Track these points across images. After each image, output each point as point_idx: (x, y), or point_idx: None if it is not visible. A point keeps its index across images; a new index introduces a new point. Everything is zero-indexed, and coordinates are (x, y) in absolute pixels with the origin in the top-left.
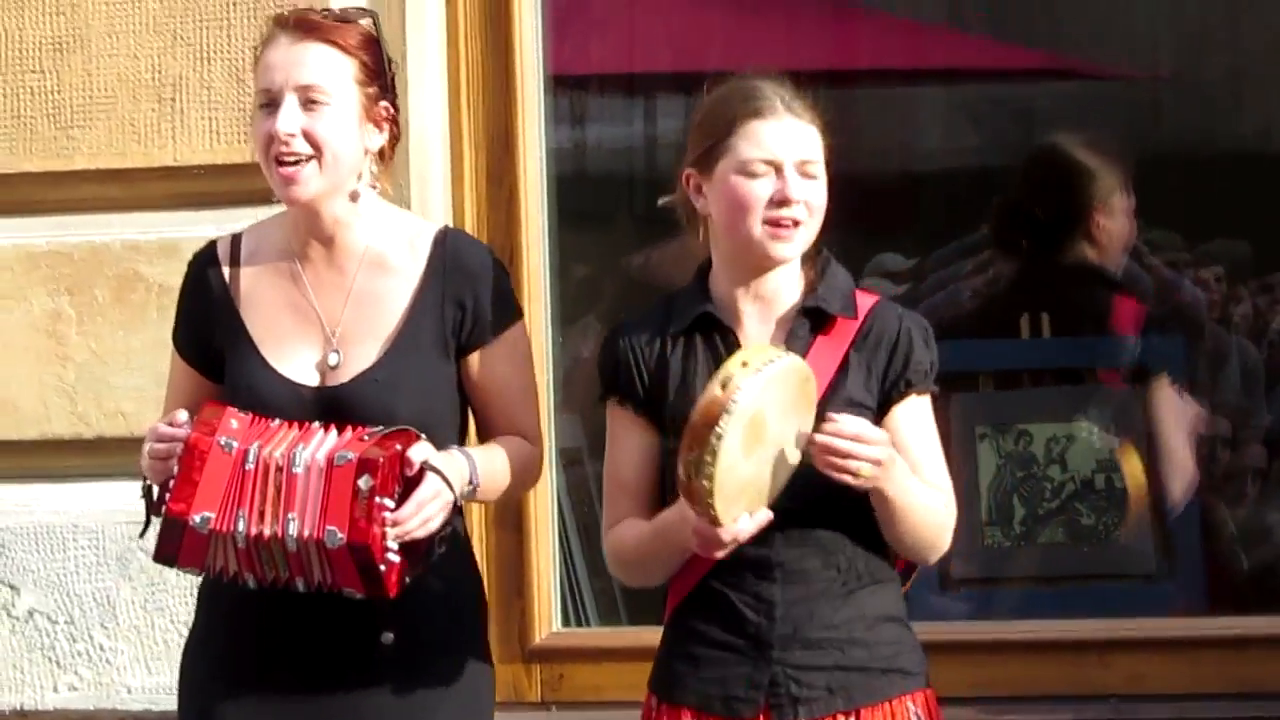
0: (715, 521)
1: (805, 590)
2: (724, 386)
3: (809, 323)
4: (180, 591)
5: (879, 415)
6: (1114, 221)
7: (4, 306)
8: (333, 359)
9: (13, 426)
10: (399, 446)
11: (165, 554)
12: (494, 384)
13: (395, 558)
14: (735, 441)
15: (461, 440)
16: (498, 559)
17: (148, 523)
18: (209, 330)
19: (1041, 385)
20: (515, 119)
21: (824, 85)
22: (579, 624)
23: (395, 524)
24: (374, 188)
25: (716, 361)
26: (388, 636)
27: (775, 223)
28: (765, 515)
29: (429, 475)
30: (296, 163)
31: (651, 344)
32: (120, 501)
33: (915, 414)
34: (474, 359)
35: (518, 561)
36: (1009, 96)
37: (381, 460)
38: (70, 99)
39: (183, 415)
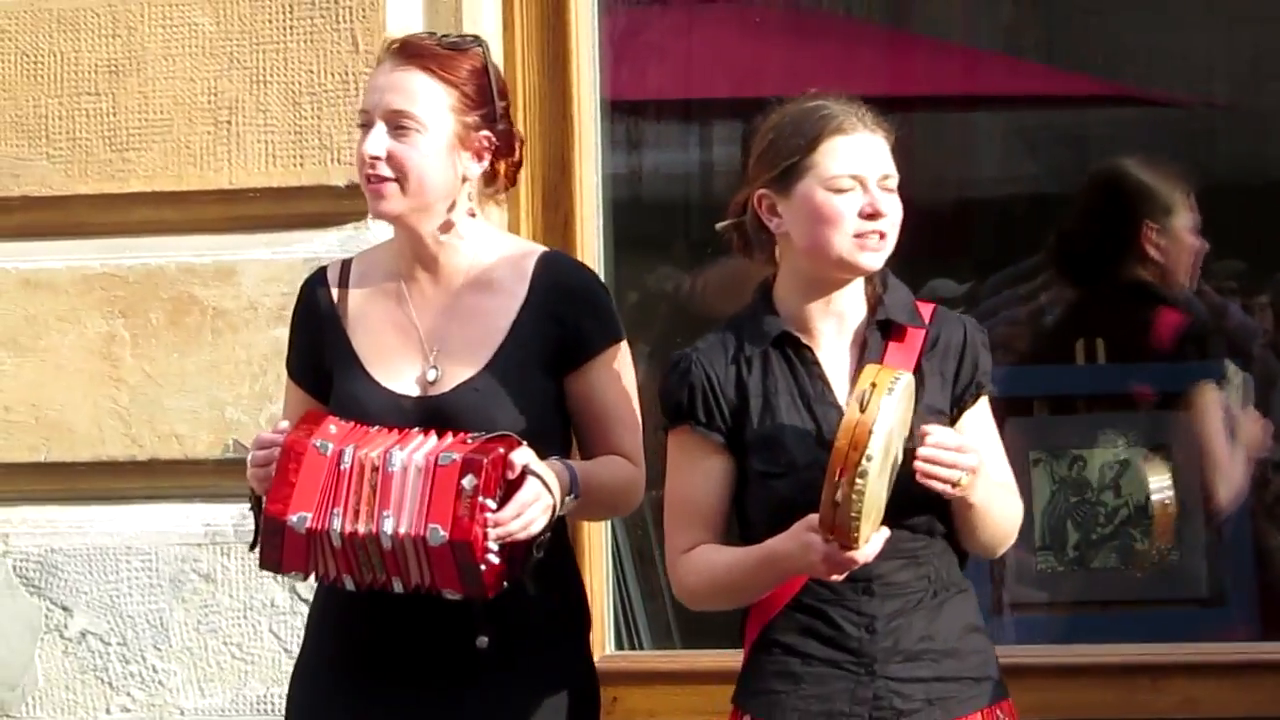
0: (853, 545)
1: (902, 602)
2: (864, 409)
3: (880, 335)
4: (233, 614)
5: (951, 420)
6: (1172, 242)
7: (58, 329)
8: (431, 374)
9: (67, 448)
10: (501, 450)
11: (269, 560)
12: (595, 404)
13: (495, 559)
14: (878, 464)
15: (557, 444)
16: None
17: (256, 533)
18: (319, 353)
19: (1096, 410)
20: (572, 144)
21: (880, 111)
22: (632, 647)
23: (497, 524)
24: (473, 215)
25: (796, 380)
26: (483, 640)
27: (863, 235)
28: (885, 533)
29: (530, 479)
30: (382, 181)
31: (727, 368)
32: (173, 523)
33: (982, 415)
34: (575, 378)
35: None
36: (1064, 123)
37: (485, 461)
38: (126, 121)
39: (284, 424)
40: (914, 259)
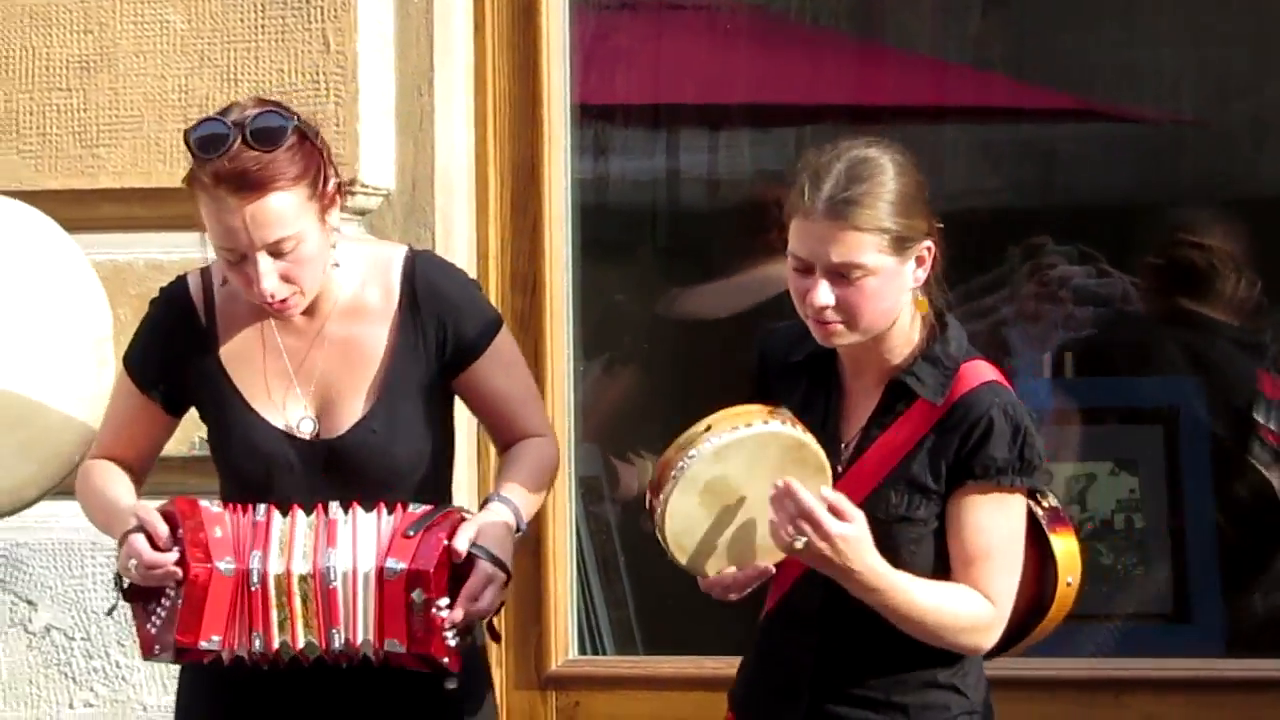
0: (682, 568)
1: (844, 643)
2: (679, 450)
3: (903, 393)
4: None
5: (943, 502)
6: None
7: None
8: (305, 423)
9: None
10: (445, 541)
11: (163, 661)
12: (493, 395)
13: (455, 641)
14: (687, 503)
15: (453, 463)
16: (516, 586)
17: (115, 606)
18: (180, 370)
19: (1063, 424)
20: (541, 149)
21: (846, 121)
22: (595, 652)
23: (452, 624)
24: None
25: (808, 407)
26: (451, 682)
27: (814, 319)
28: (758, 569)
29: (479, 564)
30: (286, 301)
31: (772, 363)
32: None
33: (977, 509)
34: (467, 377)
35: (535, 589)
36: (1031, 137)
37: (431, 570)
38: (96, 118)
39: (163, 529)
40: None
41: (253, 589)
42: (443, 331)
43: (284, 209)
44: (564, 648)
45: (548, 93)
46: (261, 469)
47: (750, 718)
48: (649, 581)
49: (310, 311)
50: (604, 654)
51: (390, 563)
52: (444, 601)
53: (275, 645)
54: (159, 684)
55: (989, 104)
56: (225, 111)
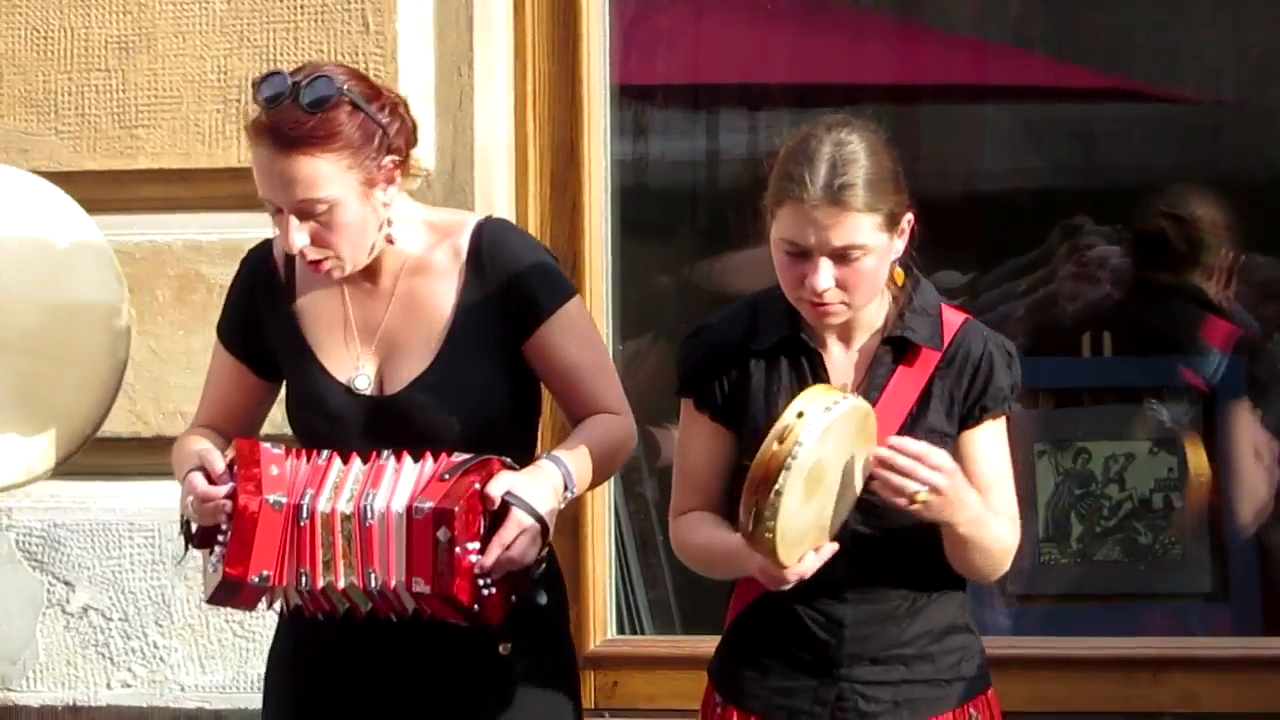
0: (779, 564)
1: (874, 610)
2: (781, 440)
3: (893, 350)
4: None
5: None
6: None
7: None
8: (367, 376)
9: None
10: (477, 485)
11: (221, 604)
12: (563, 363)
13: (490, 591)
14: (795, 496)
15: (534, 428)
16: None
17: (186, 551)
18: (259, 329)
19: (1101, 404)
20: (580, 129)
21: (887, 101)
22: (634, 632)
23: (482, 569)
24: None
25: (801, 383)
26: (505, 647)
27: (810, 302)
28: (829, 550)
29: (513, 510)
30: (318, 262)
31: (733, 355)
32: (177, 501)
33: (988, 438)
34: (536, 342)
35: (574, 568)
36: (1071, 117)
37: (457, 510)
38: (135, 98)
39: (219, 464)
40: (918, 249)
41: (301, 525)
42: (510, 291)
43: (314, 173)
44: (602, 628)
45: (587, 73)
46: (324, 423)
47: (761, 695)
48: None
49: (378, 272)
50: (642, 634)
51: (419, 502)
52: (474, 545)
53: (320, 584)
54: (197, 664)
55: (1029, 83)
56: (300, 69)
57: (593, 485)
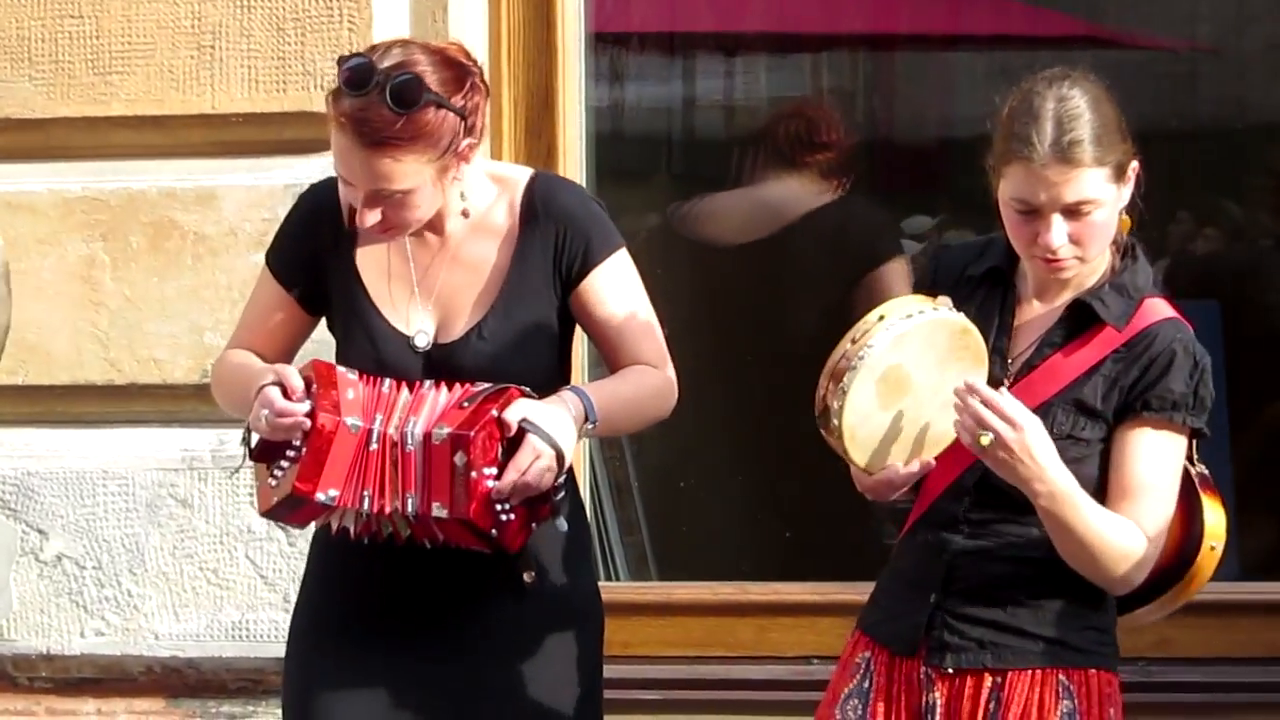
0: (854, 463)
1: (987, 546)
2: (855, 340)
3: (1081, 316)
4: (209, 540)
5: (1109, 432)
6: None
7: (39, 251)
8: (428, 327)
9: (45, 372)
10: (494, 412)
11: (278, 518)
12: (606, 313)
13: (509, 516)
14: (866, 396)
15: (568, 381)
16: None
17: (241, 466)
18: (321, 265)
19: None
20: (556, 75)
21: (862, 48)
22: (609, 579)
23: (499, 494)
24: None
25: (987, 316)
26: (529, 575)
27: (1043, 259)
28: (919, 464)
29: (528, 437)
30: (386, 229)
31: (952, 274)
32: (151, 448)
33: (1148, 442)
34: (582, 291)
35: None
36: (1047, 64)
37: (474, 434)
38: (109, 45)
39: (298, 383)
40: (893, 194)
41: (371, 450)
42: (561, 240)
43: (397, 171)
44: None
45: (562, 20)
46: (379, 371)
47: (877, 624)
48: (662, 507)
49: (439, 229)
50: (617, 580)
51: (438, 428)
52: (490, 470)
53: (377, 508)
54: (170, 613)
55: (1004, 32)
56: (385, 52)
57: (623, 430)
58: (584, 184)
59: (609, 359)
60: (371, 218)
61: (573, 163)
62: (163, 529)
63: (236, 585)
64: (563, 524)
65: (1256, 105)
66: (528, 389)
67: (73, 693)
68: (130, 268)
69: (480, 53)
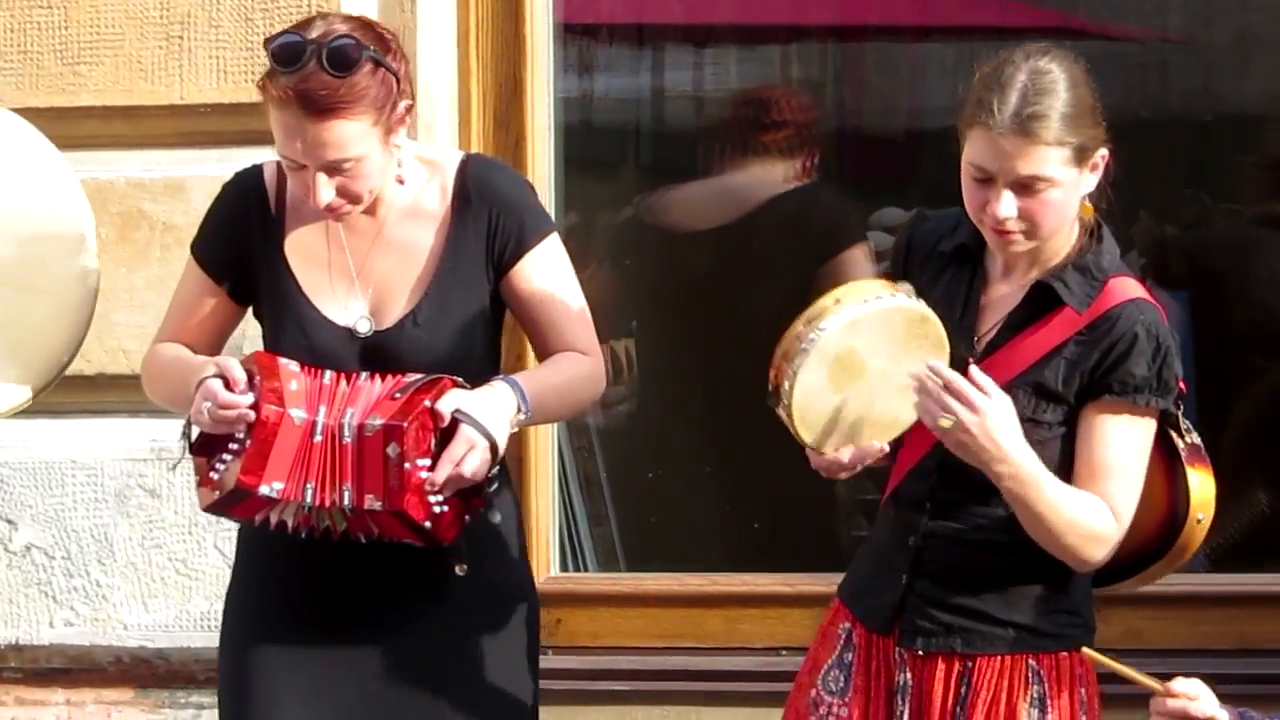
0: (803, 443)
1: (954, 527)
2: (808, 322)
3: (1045, 297)
4: (177, 530)
5: (1073, 413)
6: None
7: None
8: (362, 313)
9: None
10: (427, 402)
11: (220, 512)
12: (538, 301)
13: (443, 508)
14: (817, 378)
15: (499, 368)
16: None
17: (181, 460)
18: (247, 254)
19: None
20: (524, 66)
21: (831, 40)
22: (577, 569)
23: (433, 485)
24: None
25: (952, 295)
26: (462, 568)
27: (992, 228)
28: (873, 449)
29: (461, 427)
30: (341, 210)
31: (924, 248)
32: (119, 438)
33: (1113, 424)
34: (514, 276)
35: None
36: None
37: (407, 425)
38: (78, 35)
39: (241, 375)
40: (864, 185)
41: (315, 441)
42: (493, 224)
43: (347, 135)
44: (545, 565)
45: (531, 10)
46: (312, 360)
47: (854, 596)
48: (631, 498)
49: (371, 211)
50: (586, 571)
51: (370, 419)
52: (424, 462)
53: (319, 500)
54: (139, 603)
55: (973, 23)
56: (308, 25)
57: (553, 418)
58: (552, 175)
59: (538, 344)
60: (326, 194)
61: (541, 153)
62: (131, 519)
63: (205, 575)
64: (496, 515)
65: (1227, 96)
66: (460, 379)
67: (42, 683)
68: (99, 258)
69: (449, 43)
